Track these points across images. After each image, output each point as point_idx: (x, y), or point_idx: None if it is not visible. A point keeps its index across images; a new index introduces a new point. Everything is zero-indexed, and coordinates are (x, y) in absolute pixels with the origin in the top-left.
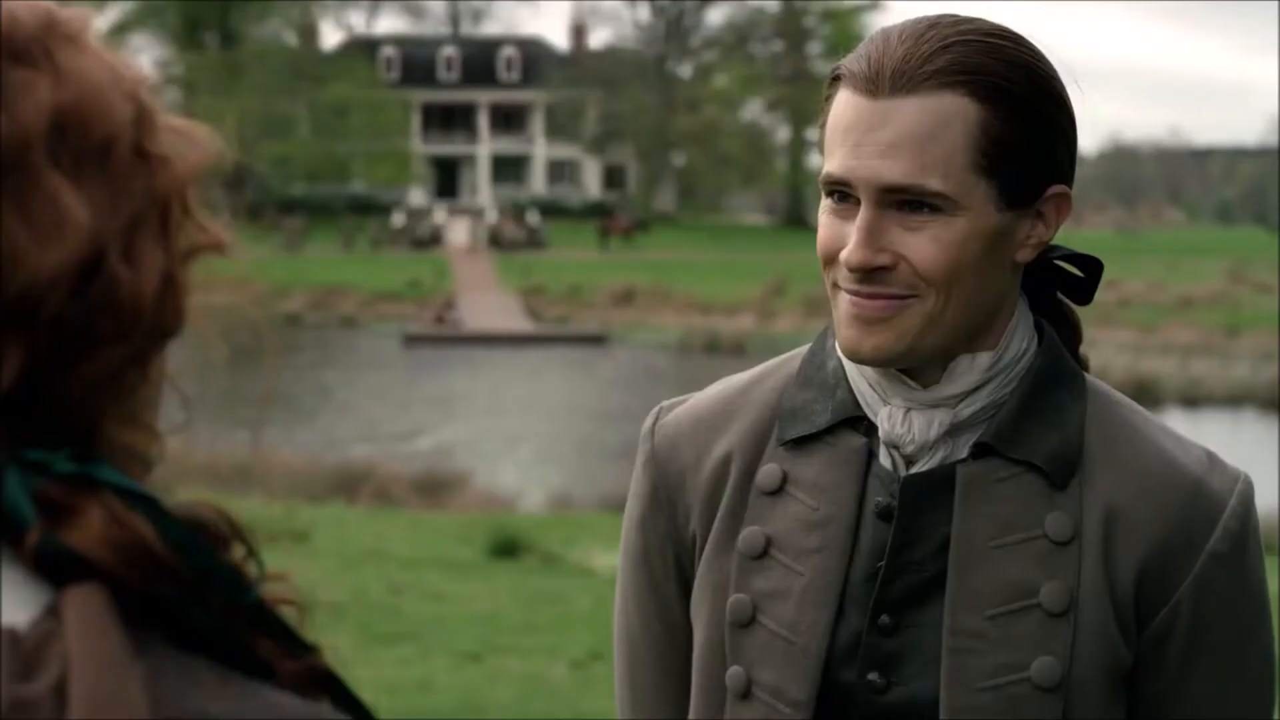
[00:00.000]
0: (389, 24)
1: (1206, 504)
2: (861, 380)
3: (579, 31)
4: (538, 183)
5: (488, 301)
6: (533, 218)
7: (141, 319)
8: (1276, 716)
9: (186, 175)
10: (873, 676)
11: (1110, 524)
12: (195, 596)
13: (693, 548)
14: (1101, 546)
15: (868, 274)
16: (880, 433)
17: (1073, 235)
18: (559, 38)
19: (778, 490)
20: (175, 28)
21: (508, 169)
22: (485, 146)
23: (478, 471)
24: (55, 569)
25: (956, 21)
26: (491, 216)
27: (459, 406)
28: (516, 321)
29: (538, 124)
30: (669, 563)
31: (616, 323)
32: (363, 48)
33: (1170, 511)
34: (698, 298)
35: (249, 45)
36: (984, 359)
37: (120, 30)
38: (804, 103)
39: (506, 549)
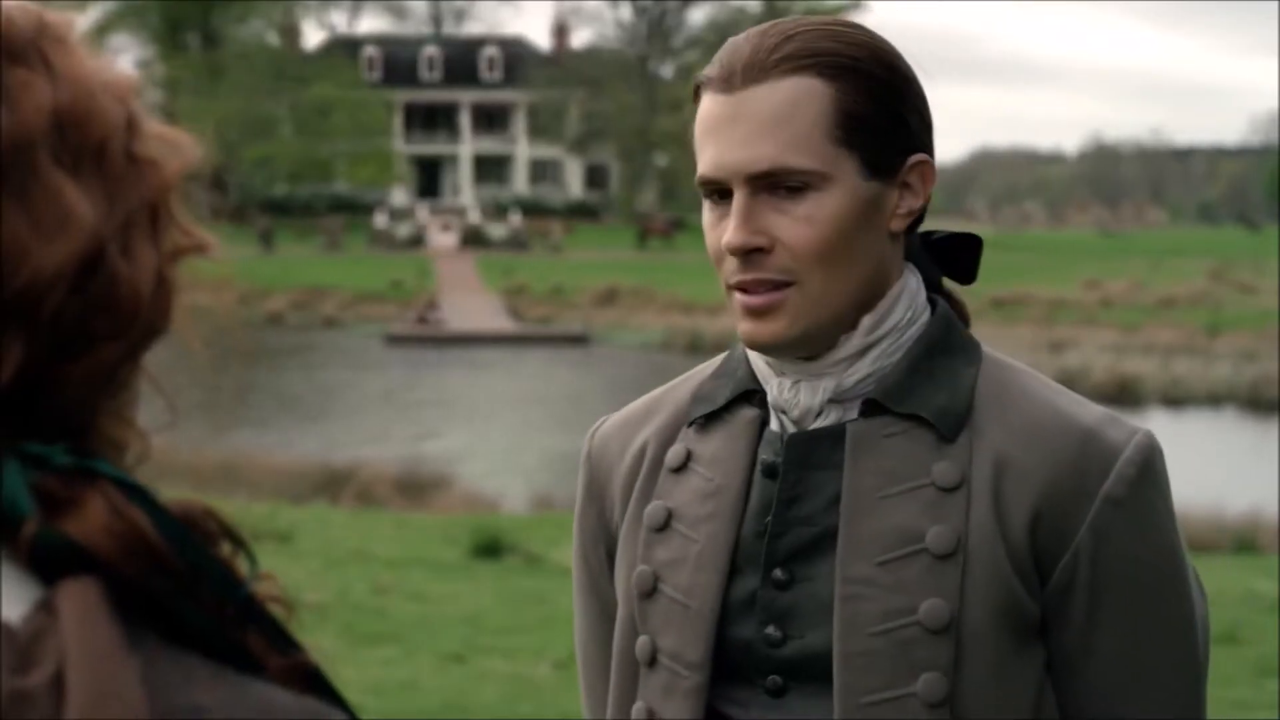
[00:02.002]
0: (371, 24)
1: (1100, 450)
2: (757, 358)
3: (561, 31)
4: (520, 183)
5: (470, 302)
6: (515, 218)
7: (139, 316)
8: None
9: (172, 179)
10: (770, 630)
11: (1000, 471)
12: (189, 590)
13: (617, 537)
14: (991, 492)
15: (747, 256)
16: (769, 398)
17: (1055, 235)
18: (541, 38)
19: (681, 468)
20: (157, 28)
21: (490, 169)
22: (467, 146)
23: (461, 472)
24: (49, 563)
25: (799, 18)
26: (474, 216)
27: (442, 407)
28: (499, 321)
29: (520, 124)
30: (601, 556)
31: (599, 323)
32: (345, 48)
33: (1062, 457)
34: (680, 297)
35: (231, 46)
36: (865, 323)
37: (102, 31)
38: None
39: (490, 549)
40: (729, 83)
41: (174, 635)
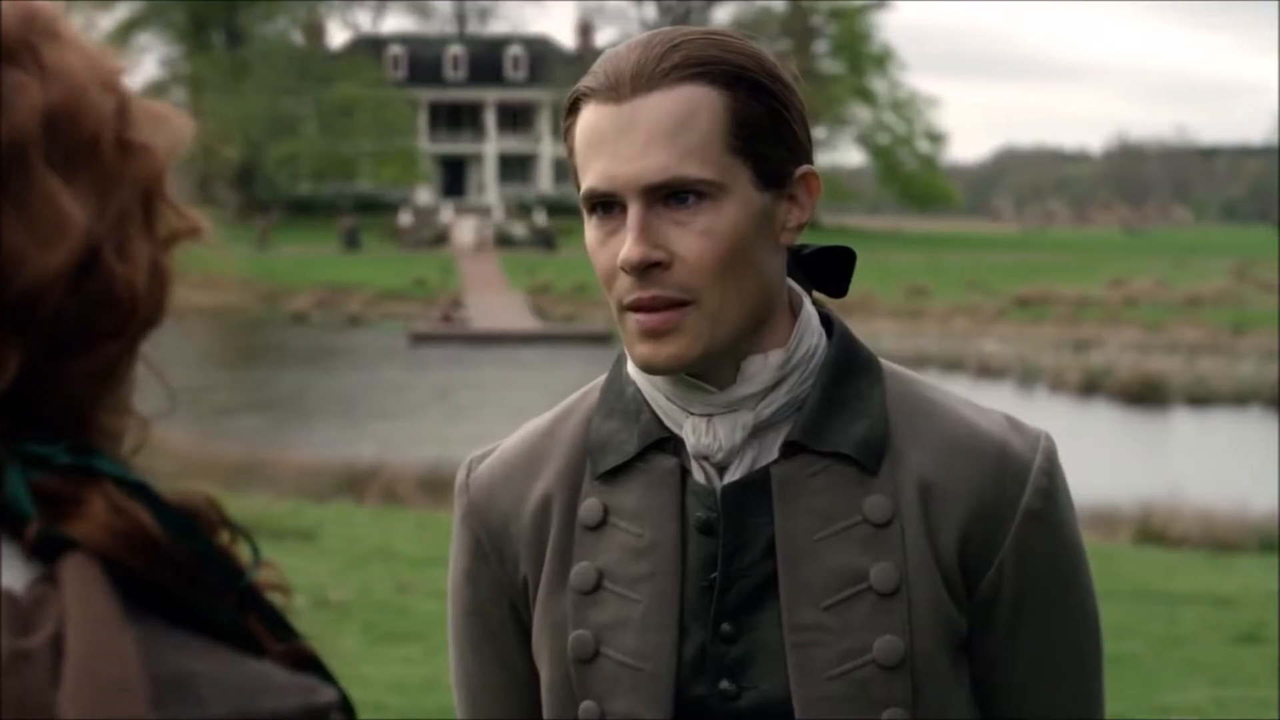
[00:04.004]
0: (395, 23)
1: (1013, 465)
2: (659, 397)
3: (585, 30)
4: (544, 181)
5: (495, 300)
6: (540, 216)
7: (136, 312)
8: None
9: (165, 161)
10: (724, 685)
11: (926, 498)
12: (192, 580)
13: (526, 592)
14: (921, 521)
15: (645, 272)
16: (688, 446)
17: (1079, 234)
18: (565, 36)
19: (600, 524)
20: (182, 26)
21: (514, 168)
22: (492, 145)
23: None
24: (53, 552)
25: (680, 28)
26: (498, 215)
27: (466, 405)
28: (523, 320)
29: (544, 122)
30: (504, 611)
31: None
32: (369, 46)
33: (981, 477)
34: None
35: (255, 44)
36: (776, 357)
37: (127, 29)
38: (810, 101)
39: None
40: (617, 92)
41: (175, 619)
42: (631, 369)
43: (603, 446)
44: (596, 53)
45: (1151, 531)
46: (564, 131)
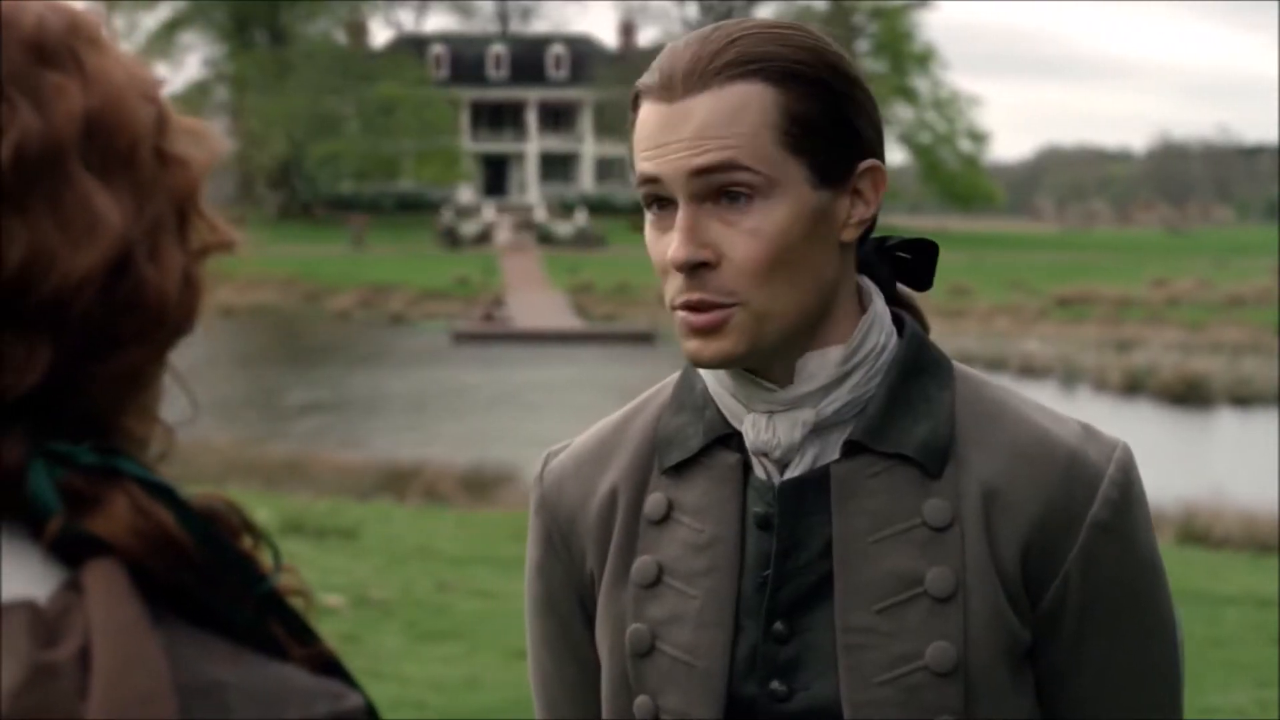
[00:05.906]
0: (438, 22)
1: (1084, 474)
2: (724, 393)
3: (627, 29)
4: (586, 180)
5: (536, 299)
6: (581, 216)
7: (165, 318)
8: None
9: (200, 175)
10: (775, 685)
11: (989, 504)
12: (213, 582)
13: (592, 585)
14: (982, 527)
15: (693, 272)
16: (746, 442)
17: (1121, 234)
18: (608, 36)
19: (664, 518)
20: (225, 26)
21: (556, 167)
22: (534, 144)
23: (526, 469)
24: (75, 552)
25: (741, 21)
26: (540, 214)
27: (508, 404)
28: (565, 319)
29: (586, 122)
30: (573, 604)
31: (665, 320)
32: (412, 46)
33: (1048, 485)
34: None
35: (298, 43)
36: (835, 353)
37: (170, 28)
38: None
39: None
40: (669, 91)
41: (197, 621)
42: None
43: (669, 441)
44: (639, 52)
45: (1194, 532)
46: (629, 127)
